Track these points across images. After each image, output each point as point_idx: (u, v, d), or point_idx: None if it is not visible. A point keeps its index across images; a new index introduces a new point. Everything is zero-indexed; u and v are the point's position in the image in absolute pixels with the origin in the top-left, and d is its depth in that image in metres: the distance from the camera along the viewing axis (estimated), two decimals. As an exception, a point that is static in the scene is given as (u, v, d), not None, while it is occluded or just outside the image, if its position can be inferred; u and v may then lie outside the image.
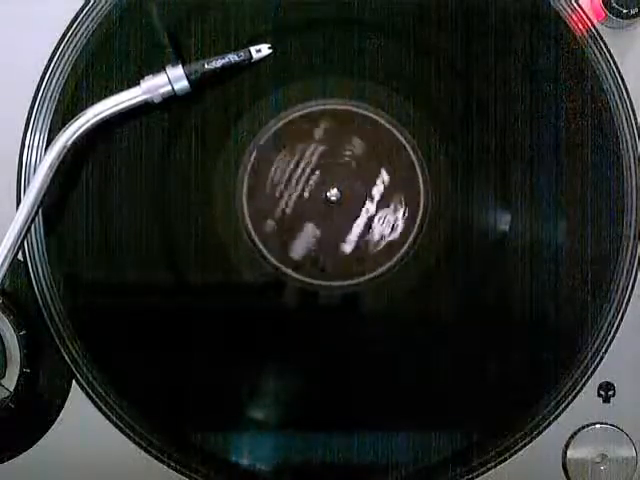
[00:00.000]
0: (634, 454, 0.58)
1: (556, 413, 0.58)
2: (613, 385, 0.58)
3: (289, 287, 0.58)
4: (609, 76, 0.57)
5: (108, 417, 0.58)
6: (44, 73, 0.56)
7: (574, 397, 0.58)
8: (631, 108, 0.57)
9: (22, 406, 0.56)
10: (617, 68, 0.57)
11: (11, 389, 0.56)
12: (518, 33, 0.57)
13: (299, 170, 0.57)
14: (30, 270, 0.57)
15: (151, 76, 0.54)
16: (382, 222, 0.57)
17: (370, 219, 0.57)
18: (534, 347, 0.57)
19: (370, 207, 0.57)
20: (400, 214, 0.57)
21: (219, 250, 0.58)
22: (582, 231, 0.57)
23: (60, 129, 0.53)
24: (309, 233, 0.57)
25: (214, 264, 0.58)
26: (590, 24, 0.57)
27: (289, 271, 0.57)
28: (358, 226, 0.57)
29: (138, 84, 0.54)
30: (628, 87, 0.57)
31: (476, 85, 0.57)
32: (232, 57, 0.54)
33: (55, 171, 0.52)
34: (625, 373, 0.58)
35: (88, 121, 0.53)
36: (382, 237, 0.57)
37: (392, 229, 0.57)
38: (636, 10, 0.55)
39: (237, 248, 0.58)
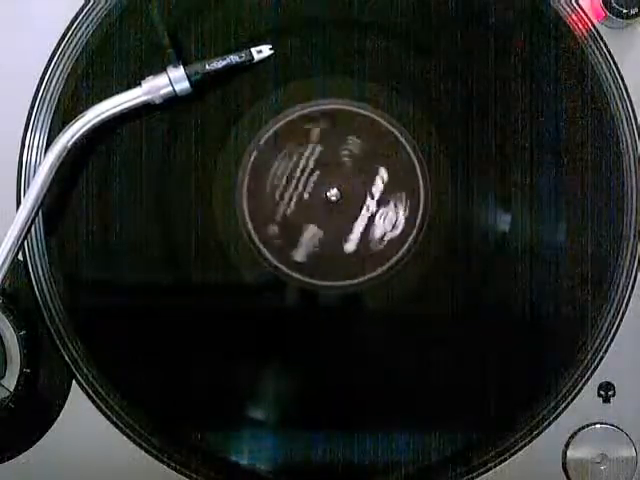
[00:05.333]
0: (634, 454, 0.58)
1: (556, 413, 0.58)
2: (613, 385, 0.58)
3: (289, 287, 0.58)
4: (609, 76, 0.57)
5: (108, 417, 0.58)
6: (44, 73, 0.56)
7: (574, 397, 0.58)
8: (631, 108, 0.57)
9: (22, 406, 0.56)
10: (617, 68, 0.57)
11: (11, 389, 0.56)
12: (518, 33, 0.57)
13: (299, 170, 0.57)
14: (30, 270, 0.57)
15: (152, 77, 0.53)
16: (382, 222, 0.57)
17: (370, 219, 0.57)
18: (534, 347, 0.57)
19: (370, 207, 0.57)
20: (400, 214, 0.57)
21: (219, 250, 0.58)
22: (582, 231, 0.57)
23: (60, 129, 0.53)
24: (309, 233, 0.57)
25: (214, 264, 0.58)
26: (590, 24, 0.57)
27: (289, 271, 0.57)
28: (358, 226, 0.57)
29: (138, 84, 0.54)
30: (628, 87, 0.57)
31: (476, 85, 0.57)
32: (233, 58, 0.54)
33: (55, 172, 0.52)
34: (625, 373, 0.58)
35: (89, 122, 0.53)
36: (382, 237, 0.57)
37: (392, 229, 0.57)
38: (636, 10, 0.55)
39: (237, 248, 0.58)
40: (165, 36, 0.54)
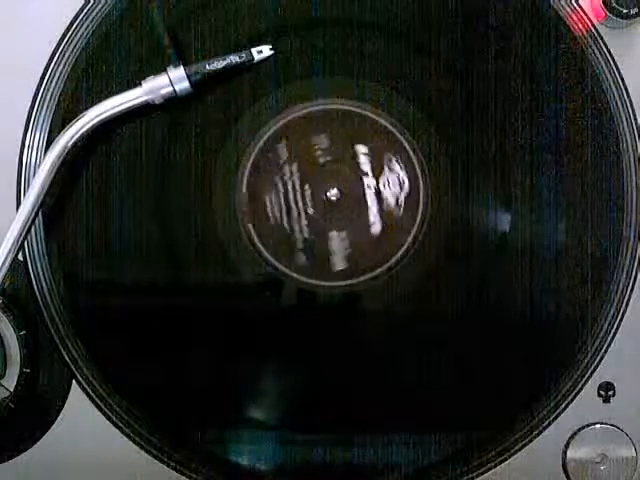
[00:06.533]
0: (634, 454, 0.58)
1: (556, 413, 0.58)
2: (613, 385, 0.58)
3: (289, 287, 0.58)
4: (609, 76, 0.57)
5: (108, 417, 0.58)
6: (44, 73, 0.56)
7: (574, 397, 0.58)
8: (631, 108, 0.57)
9: (22, 406, 0.56)
10: (617, 68, 0.57)
11: (11, 389, 0.56)
12: (518, 33, 0.57)
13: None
14: (30, 270, 0.57)
15: (152, 77, 0.54)
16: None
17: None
18: (534, 347, 0.57)
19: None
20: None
21: (219, 250, 0.58)
22: (582, 231, 0.57)
23: (60, 129, 0.53)
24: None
25: (214, 264, 0.58)
26: (590, 24, 0.57)
27: (289, 271, 0.57)
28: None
29: (138, 84, 0.54)
30: (628, 87, 0.57)
31: (476, 85, 0.57)
32: (234, 58, 0.54)
33: (55, 172, 0.52)
34: (625, 373, 0.58)
35: (89, 122, 0.53)
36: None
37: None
38: (636, 10, 0.55)
39: (237, 248, 0.58)
40: (165, 36, 0.54)
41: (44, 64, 0.56)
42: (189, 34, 0.56)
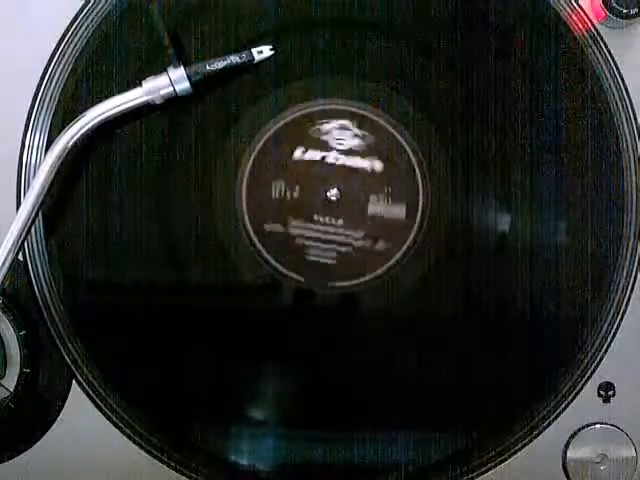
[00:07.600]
0: (634, 454, 0.58)
1: (556, 413, 0.58)
2: (613, 385, 0.58)
3: (289, 287, 0.58)
4: (609, 76, 0.57)
5: (108, 417, 0.58)
6: (44, 73, 0.56)
7: (574, 397, 0.58)
8: (631, 108, 0.57)
9: (22, 406, 0.56)
10: (617, 68, 0.57)
11: (11, 389, 0.56)
12: (518, 33, 0.57)
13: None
14: (30, 270, 0.57)
15: (153, 77, 0.53)
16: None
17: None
18: (534, 347, 0.57)
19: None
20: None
21: (219, 250, 0.58)
22: (582, 231, 0.57)
23: (60, 129, 0.53)
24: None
25: (214, 264, 0.58)
26: (590, 24, 0.57)
27: (288, 272, 0.57)
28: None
29: (138, 84, 0.54)
30: (628, 87, 0.57)
31: (476, 85, 0.57)
32: (234, 58, 0.54)
33: (56, 172, 0.52)
34: (625, 373, 0.58)
35: (89, 122, 0.53)
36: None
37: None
38: (636, 10, 0.55)
39: (237, 248, 0.58)
40: (165, 36, 0.54)
41: (44, 64, 0.56)
42: (189, 34, 0.56)
